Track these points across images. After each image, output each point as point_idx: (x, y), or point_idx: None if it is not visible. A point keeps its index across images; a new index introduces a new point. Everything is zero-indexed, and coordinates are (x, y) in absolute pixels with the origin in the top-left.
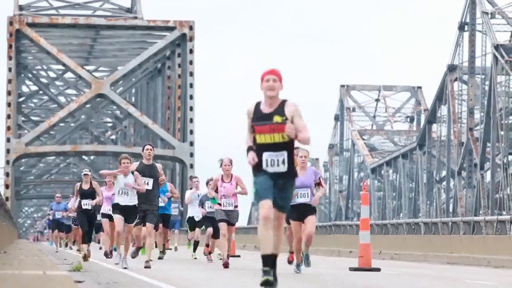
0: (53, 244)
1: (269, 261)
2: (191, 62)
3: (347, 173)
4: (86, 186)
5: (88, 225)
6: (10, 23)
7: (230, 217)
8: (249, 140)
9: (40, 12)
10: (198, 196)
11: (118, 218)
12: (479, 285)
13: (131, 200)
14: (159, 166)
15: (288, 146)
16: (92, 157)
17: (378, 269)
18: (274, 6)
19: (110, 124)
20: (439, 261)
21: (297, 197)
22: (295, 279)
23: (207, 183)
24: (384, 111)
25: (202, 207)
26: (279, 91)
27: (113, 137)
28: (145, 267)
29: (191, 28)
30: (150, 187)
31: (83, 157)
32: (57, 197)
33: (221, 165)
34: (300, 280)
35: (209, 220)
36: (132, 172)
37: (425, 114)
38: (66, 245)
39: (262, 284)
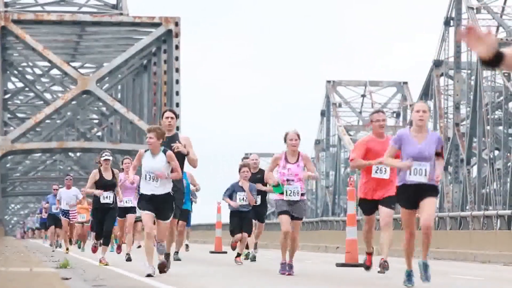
0: (46, 242)
1: None
2: (177, 58)
3: (333, 169)
4: (108, 176)
5: (108, 222)
6: None
7: (295, 209)
8: None
9: (26, 8)
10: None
11: (146, 216)
12: (465, 280)
13: (164, 187)
14: (184, 137)
15: None
16: (78, 154)
17: None
18: (261, 3)
19: (96, 121)
20: None
21: (410, 174)
22: (281, 276)
23: (239, 170)
24: (371, 106)
25: (230, 198)
26: None
27: (99, 133)
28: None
29: (176, 24)
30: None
31: (70, 154)
32: (54, 189)
33: (285, 140)
34: (286, 276)
35: (237, 217)
36: (164, 152)
37: (411, 109)
38: (60, 246)
39: None
